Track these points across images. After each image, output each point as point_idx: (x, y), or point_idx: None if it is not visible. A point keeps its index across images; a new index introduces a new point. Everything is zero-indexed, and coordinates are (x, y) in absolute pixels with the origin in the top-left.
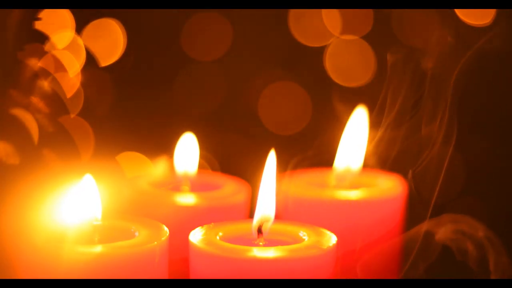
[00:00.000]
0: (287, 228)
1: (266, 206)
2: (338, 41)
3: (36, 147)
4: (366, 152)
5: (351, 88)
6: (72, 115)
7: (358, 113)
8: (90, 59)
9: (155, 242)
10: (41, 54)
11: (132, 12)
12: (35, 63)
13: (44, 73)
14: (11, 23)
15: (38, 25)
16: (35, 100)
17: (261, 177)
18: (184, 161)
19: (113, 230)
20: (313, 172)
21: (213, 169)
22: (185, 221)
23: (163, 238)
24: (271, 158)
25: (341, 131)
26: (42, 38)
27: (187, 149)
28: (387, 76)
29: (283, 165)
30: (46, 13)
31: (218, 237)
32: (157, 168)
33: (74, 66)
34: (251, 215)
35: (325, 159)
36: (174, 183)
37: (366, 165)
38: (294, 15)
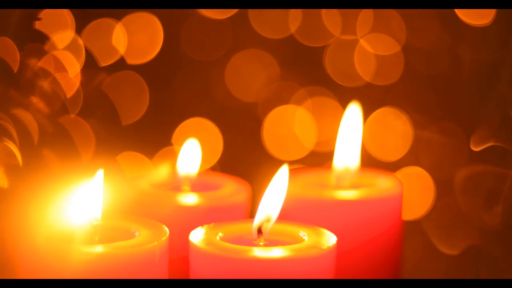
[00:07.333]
0: (287, 228)
1: (269, 208)
2: (338, 41)
3: (36, 147)
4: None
5: (351, 88)
6: (72, 115)
7: (352, 109)
8: (90, 59)
9: (155, 242)
10: (41, 54)
11: (132, 12)
12: (35, 63)
13: (44, 73)
14: (11, 23)
15: (38, 25)
16: (35, 100)
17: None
18: (187, 164)
19: (113, 230)
20: (313, 172)
21: (213, 169)
22: (186, 221)
23: (163, 238)
24: (284, 172)
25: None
26: (42, 38)
27: (191, 153)
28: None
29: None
30: (46, 13)
31: (218, 237)
32: (160, 170)
33: (74, 66)
34: (251, 215)
35: (324, 159)
36: (175, 183)
37: (363, 164)
38: (294, 15)
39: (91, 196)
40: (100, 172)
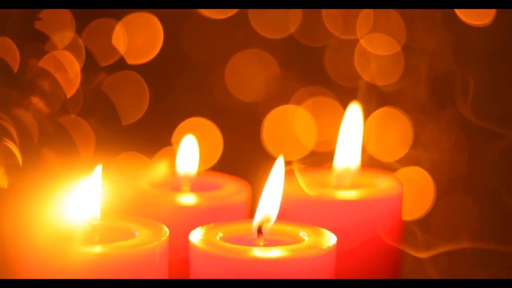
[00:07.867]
0: (287, 228)
1: (268, 207)
2: (338, 41)
3: (36, 147)
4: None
5: (351, 88)
6: (72, 115)
7: (352, 109)
8: (90, 59)
9: (155, 242)
10: (41, 54)
11: (132, 12)
12: (35, 63)
13: (44, 73)
14: (11, 23)
15: (38, 25)
16: (35, 100)
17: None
18: (185, 162)
19: (113, 230)
20: (313, 172)
21: (213, 169)
22: (185, 221)
23: (163, 238)
24: (279, 163)
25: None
26: (42, 38)
27: (188, 151)
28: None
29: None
30: (46, 13)
31: (218, 237)
32: (158, 169)
33: (74, 66)
34: (251, 215)
35: (324, 159)
36: (174, 183)
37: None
38: (294, 15)
39: (90, 195)
40: (99, 168)
